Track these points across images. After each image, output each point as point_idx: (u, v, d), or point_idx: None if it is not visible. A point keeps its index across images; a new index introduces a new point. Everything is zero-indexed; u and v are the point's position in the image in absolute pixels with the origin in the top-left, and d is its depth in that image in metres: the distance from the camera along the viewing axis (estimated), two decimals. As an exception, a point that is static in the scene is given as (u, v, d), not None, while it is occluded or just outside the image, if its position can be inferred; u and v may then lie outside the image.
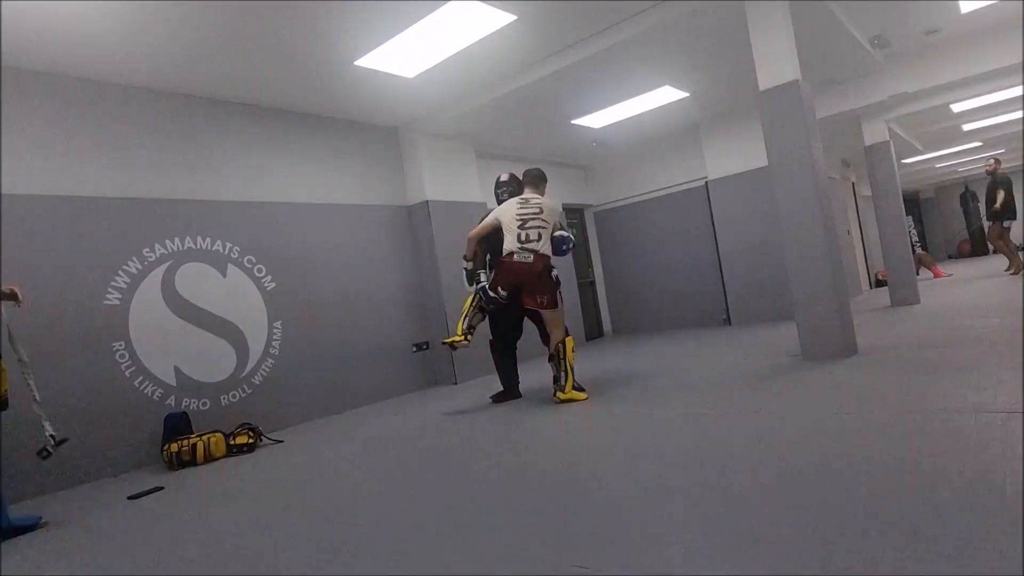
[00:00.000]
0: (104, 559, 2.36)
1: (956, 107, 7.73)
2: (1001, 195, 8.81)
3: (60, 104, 4.12)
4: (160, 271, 4.46)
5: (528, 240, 4.17)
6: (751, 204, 7.51)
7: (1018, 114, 9.22)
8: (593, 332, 8.99)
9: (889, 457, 2.14)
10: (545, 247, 4.19)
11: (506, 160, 7.87)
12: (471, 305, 4.40)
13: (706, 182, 7.99)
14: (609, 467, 2.58)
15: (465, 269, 4.46)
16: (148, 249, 4.42)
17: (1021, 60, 5.82)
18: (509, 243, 4.19)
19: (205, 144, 4.87)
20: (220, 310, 4.75)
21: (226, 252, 4.86)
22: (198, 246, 4.69)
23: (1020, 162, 15.59)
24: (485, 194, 6.78)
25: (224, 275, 4.82)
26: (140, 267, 4.36)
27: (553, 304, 4.18)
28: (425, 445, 3.59)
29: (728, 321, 7.97)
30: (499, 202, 4.60)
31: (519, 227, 4.19)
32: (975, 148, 12.14)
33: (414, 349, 6.27)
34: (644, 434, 3.04)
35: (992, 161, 9.20)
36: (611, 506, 2.11)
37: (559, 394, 4.15)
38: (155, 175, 4.54)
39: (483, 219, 4.45)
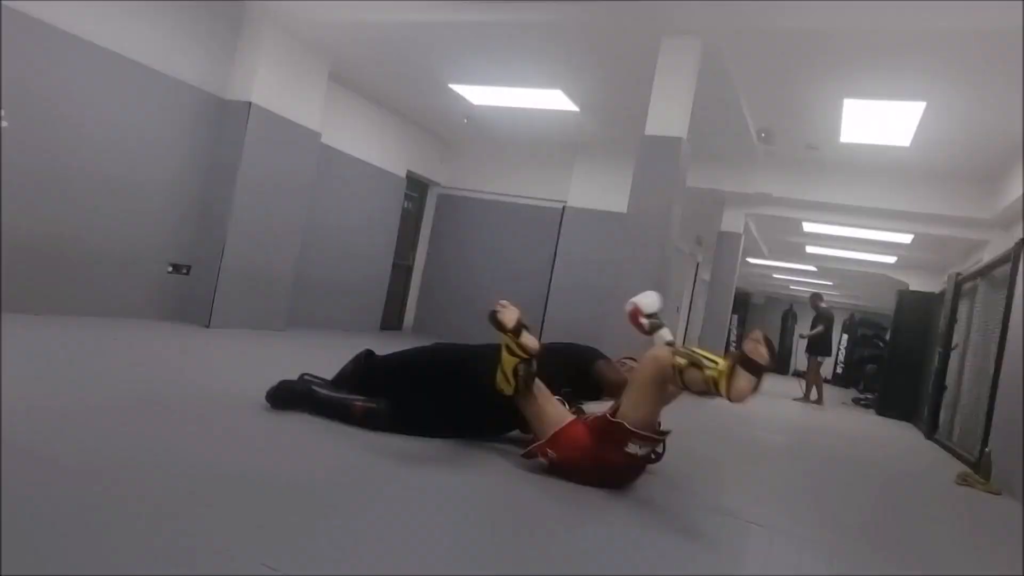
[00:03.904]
0: None
1: (807, 227, 8.05)
2: (820, 328, 8.94)
3: None
4: None
5: None
6: (597, 246, 7.21)
7: (853, 255, 9.92)
8: (391, 323, 8.11)
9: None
10: None
11: (362, 97, 6.85)
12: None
13: (564, 207, 7.62)
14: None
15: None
16: None
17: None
18: None
19: None
20: None
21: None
22: None
23: (853, 300, 17.18)
24: (327, 124, 5.82)
25: None
26: None
27: None
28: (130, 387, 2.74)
29: (537, 352, 7.60)
30: None
31: None
32: (810, 272, 13.13)
33: (170, 269, 5.10)
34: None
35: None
36: None
37: None
38: None
39: None
